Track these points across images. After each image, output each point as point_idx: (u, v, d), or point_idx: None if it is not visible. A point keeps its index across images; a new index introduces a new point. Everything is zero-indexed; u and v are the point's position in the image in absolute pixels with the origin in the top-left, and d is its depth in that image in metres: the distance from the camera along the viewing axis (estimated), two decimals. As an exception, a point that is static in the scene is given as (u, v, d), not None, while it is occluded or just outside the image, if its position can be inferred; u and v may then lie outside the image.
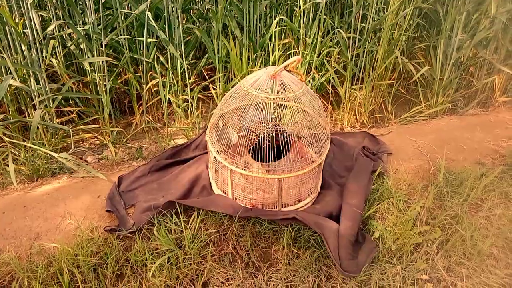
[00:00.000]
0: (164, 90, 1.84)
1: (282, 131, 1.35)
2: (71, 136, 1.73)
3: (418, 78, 2.04)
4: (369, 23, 1.99)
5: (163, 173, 1.58)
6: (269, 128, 1.28)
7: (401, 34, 1.96)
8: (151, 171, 1.58)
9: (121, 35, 1.87)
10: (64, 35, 1.89)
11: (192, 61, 2.16)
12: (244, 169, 1.31)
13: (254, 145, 1.37)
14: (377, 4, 2.01)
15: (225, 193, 1.38)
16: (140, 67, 1.97)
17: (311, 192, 1.41)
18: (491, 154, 1.67)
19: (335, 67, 2.04)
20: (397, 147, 1.70)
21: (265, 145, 1.32)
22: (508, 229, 1.41)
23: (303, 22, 2.00)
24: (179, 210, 1.30)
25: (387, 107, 2.10)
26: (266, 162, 1.32)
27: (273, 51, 2.00)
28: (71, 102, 1.93)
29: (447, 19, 1.95)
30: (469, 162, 1.63)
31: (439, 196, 1.46)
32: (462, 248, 1.33)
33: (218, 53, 1.95)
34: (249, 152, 1.37)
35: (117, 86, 1.97)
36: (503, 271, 1.31)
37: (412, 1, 1.95)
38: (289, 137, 1.42)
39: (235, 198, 1.36)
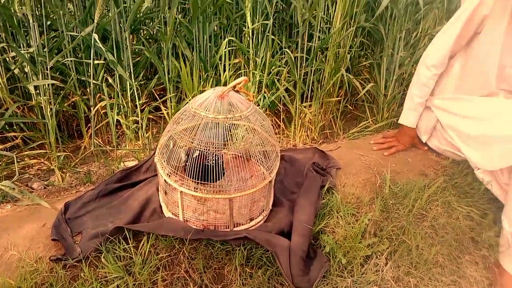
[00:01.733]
0: (112, 112, 1.81)
1: (231, 150, 1.36)
2: (16, 162, 1.66)
3: (364, 94, 2.12)
4: (315, 42, 2.06)
5: (112, 198, 1.54)
6: (219, 148, 1.28)
7: (345, 52, 2.04)
8: (100, 196, 1.53)
9: (67, 57, 1.83)
10: (7, 58, 1.83)
11: (143, 82, 2.15)
12: (195, 190, 1.31)
13: (203, 165, 1.36)
14: (321, 25, 2.09)
15: (176, 215, 1.37)
16: (88, 89, 1.93)
17: (263, 210, 1.42)
18: (434, 165, 1.75)
19: (285, 86, 2.09)
20: (346, 162, 1.75)
21: (212, 164, 1.32)
22: (452, 236, 1.48)
23: (252, 43, 2.04)
24: (128, 236, 1.28)
25: (336, 123, 2.17)
26: (215, 181, 1.32)
27: (224, 71, 2.02)
28: (15, 127, 1.86)
29: (389, 37, 2.05)
30: (413, 174, 1.70)
31: (385, 208, 1.51)
32: (409, 258, 1.38)
33: (168, 74, 1.95)
34: (199, 172, 1.37)
35: (64, 109, 1.92)
36: (449, 277, 1.37)
37: (355, 21, 2.04)
38: (239, 156, 1.44)
39: (186, 220, 1.35)
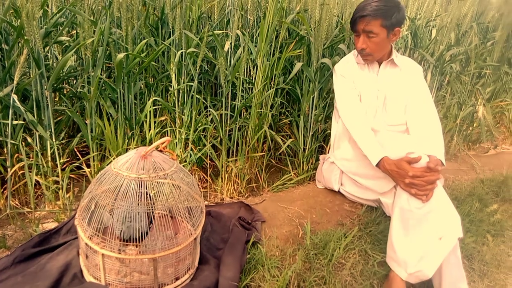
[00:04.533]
0: (30, 172, 1.75)
1: (155, 208, 1.37)
2: None
3: (285, 149, 2.25)
4: (239, 101, 2.18)
5: (29, 264, 1.45)
6: (141, 206, 1.29)
7: (267, 111, 2.17)
8: (15, 263, 1.44)
9: (-18, 117, 1.77)
10: None
11: (65, 141, 2.10)
12: (119, 252, 1.29)
13: (126, 225, 1.35)
14: (244, 85, 2.22)
15: (97, 279, 1.33)
16: (5, 150, 1.85)
17: (189, 269, 1.42)
18: (350, 215, 1.88)
19: (211, 142, 2.16)
20: (270, 215, 1.82)
21: (136, 224, 1.32)
22: (370, 283, 1.57)
23: (178, 102, 2.10)
24: (45, 305, 1.21)
25: (261, 176, 2.26)
26: (140, 241, 1.32)
27: (150, 129, 2.05)
28: None
29: (304, 98, 2.23)
30: (332, 224, 1.81)
31: (307, 259, 1.58)
32: (330, 308, 1.44)
33: (92, 132, 1.94)
34: (120, 233, 1.35)
35: (-24, 170, 1.82)
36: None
37: (274, 82, 2.20)
38: (164, 214, 1.44)
39: (109, 284, 1.31)
